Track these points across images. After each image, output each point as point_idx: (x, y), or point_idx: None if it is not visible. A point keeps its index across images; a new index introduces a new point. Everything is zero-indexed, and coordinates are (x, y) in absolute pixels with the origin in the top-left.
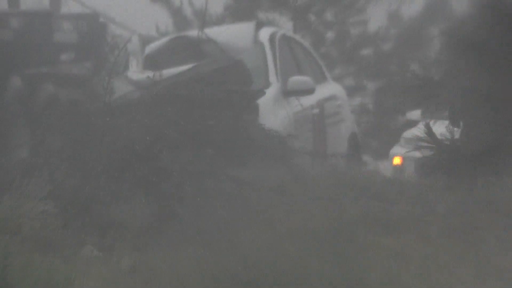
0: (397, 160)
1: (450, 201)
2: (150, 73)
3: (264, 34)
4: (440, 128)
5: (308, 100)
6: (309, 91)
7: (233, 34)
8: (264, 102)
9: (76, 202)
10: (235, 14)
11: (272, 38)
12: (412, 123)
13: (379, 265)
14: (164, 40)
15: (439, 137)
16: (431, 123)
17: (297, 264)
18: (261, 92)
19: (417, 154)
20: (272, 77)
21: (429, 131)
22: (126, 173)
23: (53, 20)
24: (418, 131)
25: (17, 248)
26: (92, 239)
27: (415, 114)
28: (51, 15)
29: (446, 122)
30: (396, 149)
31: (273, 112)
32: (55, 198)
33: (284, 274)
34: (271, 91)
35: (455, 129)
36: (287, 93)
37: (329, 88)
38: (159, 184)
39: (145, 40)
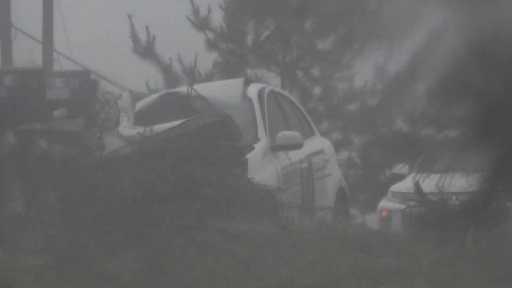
0: (384, 214)
1: (436, 253)
2: (140, 129)
3: (253, 90)
4: (428, 181)
5: (297, 155)
6: (298, 146)
7: (222, 90)
8: (253, 156)
9: (69, 256)
10: (223, 70)
11: (260, 94)
12: (400, 177)
13: None
14: (154, 96)
15: (427, 191)
16: (418, 177)
17: None
18: (250, 147)
19: (404, 207)
20: (261, 132)
21: (417, 187)
22: (117, 226)
23: (46, 77)
24: (405, 185)
25: None
26: None
27: (402, 168)
28: (44, 72)
29: (433, 176)
30: (383, 202)
31: (262, 166)
32: (49, 252)
33: None
34: (260, 146)
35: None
36: (276, 147)
37: (317, 143)
38: (150, 237)
39: (136, 97)
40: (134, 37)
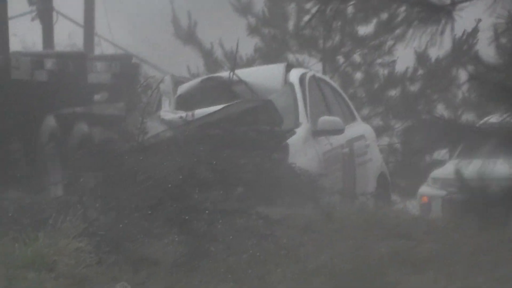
0: (425, 200)
1: (477, 240)
2: (182, 113)
3: (294, 75)
4: (469, 168)
5: (338, 140)
6: (339, 131)
7: (263, 75)
8: (294, 141)
9: (109, 239)
10: (265, 56)
11: (302, 79)
12: (440, 163)
13: None
14: (195, 80)
15: (468, 177)
16: (460, 163)
17: None
18: (291, 132)
19: (444, 193)
20: (302, 117)
21: (458, 173)
22: (158, 211)
23: (87, 61)
24: (445, 171)
25: (52, 284)
26: (125, 276)
27: (442, 154)
28: (85, 56)
29: (475, 162)
30: (424, 188)
31: (303, 151)
32: (89, 236)
33: None
34: (301, 131)
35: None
36: (317, 133)
37: (358, 128)
38: (191, 222)
39: (177, 81)
40: (175, 21)
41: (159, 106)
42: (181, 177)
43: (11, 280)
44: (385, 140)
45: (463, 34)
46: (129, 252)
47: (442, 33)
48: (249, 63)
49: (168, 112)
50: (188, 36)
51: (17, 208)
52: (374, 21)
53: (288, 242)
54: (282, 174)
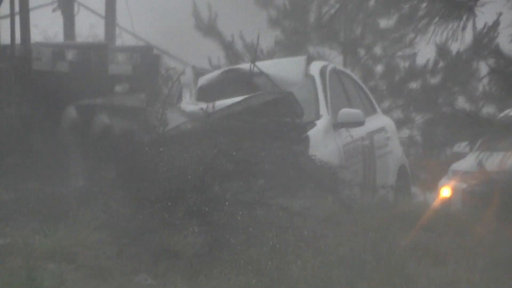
0: (445, 192)
1: (498, 232)
2: (203, 105)
3: (315, 67)
4: (490, 160)
5: (358, 132)
6: (359, 123)
7: (284, 68)
8: (315, 133)
9: (130, 231)
10: (285, 48)
11: (322, 72)
12: (461, 155)
13: None
14: (216, 72)
15: (489, 169)
16: (481, 155)
17: None
18: (312, 124)
19: (465, 186)
20: (323, 110)
21: (480, 165)
22: (179, 202)
23: (108, 52)
24: (466, 163)
25: (72, 276)
26: (146, 267)
27: (463, 146)
28: (106, 47)
29: (496, 154)
30: (444, 181)
31: (324, 143)
32: (110, 227)
33: None
34: (322, 123)
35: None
36: (338, 125)
37: (379, 121)
38: (211, 213)
39: (198, 73)
40: (196, 13)
41: (180, 98)
42: (201, 168)
43: (31, 271)
44: (405, 132)
45: (484, 27)
46: (149, 243)
47: (463, 29)
48: (270, 55)
49: (189, 104)
50: (208, 28)
51: (38, 199)
52: (395, 14)
53: (309, 234)
54: (302, 166)
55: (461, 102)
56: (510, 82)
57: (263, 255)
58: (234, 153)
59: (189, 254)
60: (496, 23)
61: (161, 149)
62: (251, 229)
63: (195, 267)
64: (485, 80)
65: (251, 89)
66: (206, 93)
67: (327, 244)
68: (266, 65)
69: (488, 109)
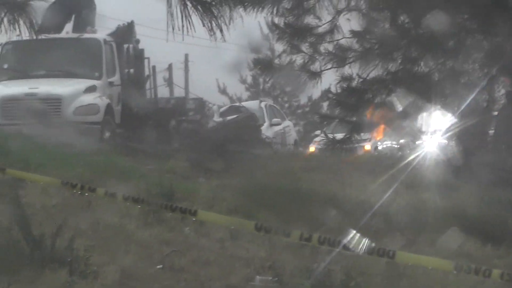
0: (311, 148)
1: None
2: (222, 119)
3: (262, 104)
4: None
5: (279, 127)
6: (279, 124)
7: (252, 104)
8: (264, 128)
9: (196, 164)
10: (252, 97)
11: (266, 105)
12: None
13: None
14: (227, 106)
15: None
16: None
17: None
18: (261, 124)
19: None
20: (266, 119)
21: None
22: (214, 154)
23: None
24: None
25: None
26: (202, 175)
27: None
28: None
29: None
30: (312, 144)
31: (267, 131)
32: (188, 160)
33: None
34: (266, 125)
35: None
36: (272, 124)
37: (287, 122)
38: (225, 157)
39: (220, 107)
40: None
41: (213, 116)
42: (222, 139)
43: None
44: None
45: None
46: (203, 166)
47: None
48: (247, 99)
49: (217, 117)
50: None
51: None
52: None
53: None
54: (258, 139)
55: None
56: None
57: (246, 168)
58: (233, 134)
59: (218, 167)
60: None
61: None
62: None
63: (220, 172)
64: None
65: (240, 112)
66: (222, 114)
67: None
68: (245, 104)
69: None
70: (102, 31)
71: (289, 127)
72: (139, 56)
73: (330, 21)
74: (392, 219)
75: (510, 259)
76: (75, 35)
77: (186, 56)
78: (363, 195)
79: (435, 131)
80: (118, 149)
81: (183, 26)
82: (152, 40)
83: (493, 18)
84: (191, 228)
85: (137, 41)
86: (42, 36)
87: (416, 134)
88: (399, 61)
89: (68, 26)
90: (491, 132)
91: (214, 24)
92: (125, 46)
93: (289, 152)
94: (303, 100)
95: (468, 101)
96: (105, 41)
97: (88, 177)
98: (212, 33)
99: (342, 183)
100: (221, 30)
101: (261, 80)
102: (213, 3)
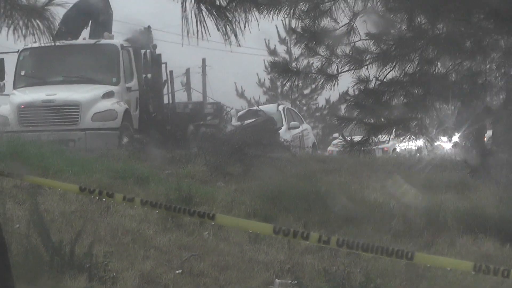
0: (329, 150)
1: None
2: (240, 122)
3: (280, 107)
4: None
5: (298, 130)
6: (297, 127)
7: (270, 108)
8: (282, 131)
9: (215, 166)
10: (270, 101)
11: (284, 109)
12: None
13: None
14: (245, 110)
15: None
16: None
17: None
18: (279, 128)
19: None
20: (284, 123)
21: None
22: (234, 156)
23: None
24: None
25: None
26: (221, 179)
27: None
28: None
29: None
30: (330, 146)
31: (285, 134)
32: (205, 164)
33: None
34: (283, 128)
35: None
36: (290, 127)
37: (305, 126)
38: (246, 160)
39: (237, 111)
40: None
41: (231, 120)
42: (240, 143)
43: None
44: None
45: None
46: (222, 170)
47: None
48: (265, 102)
49: (235, 122)
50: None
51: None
52: None
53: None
54: (276, 143)
55: None
56: None
57: (265, 171)
58: (252, 137)
59: (237, 171)
60: None
61: (226, 135)
62: (262, 169)
63: (239, 176)
64: None
65: (257, 116)
66: (240, 118)
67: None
68: (263, 107)
69: None
70: (119, 37)
71: (307, 130)
72: (156, 61)
73: (347, 23)
74: (411, 221)
75: None
76: (92, 41)
77: (204, 60)
78: (381, 197)
79: (452, 132)
80: (136, 155)
81: (197, 30)
82: (170, 46)
83: (509, 18)
84: (210, 233)
85: (154, 46)
86: (59, 42)
87: (434, 135)
88: (416, 62)
89: (85, 32)
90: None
91: (228, 29)
92: (142, 51)
93: (308, 155)
94: (321, 102)
95: (485, 101)
96: (122, 46)
97: (106, 183)
98: (227, 38)
99: (361, 185)
100: (235, 35)
101: (278, 83)
102: (228, 7)
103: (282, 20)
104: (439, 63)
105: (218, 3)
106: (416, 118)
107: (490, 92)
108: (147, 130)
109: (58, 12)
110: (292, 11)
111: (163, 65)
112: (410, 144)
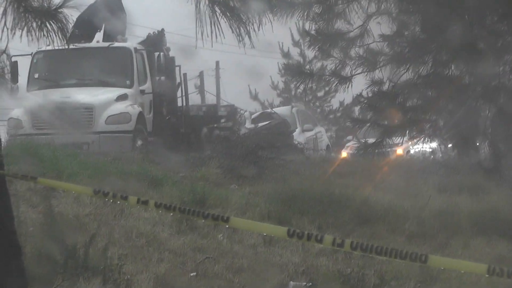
0: (343, 154)
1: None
2: (254, 125)
3: (294, 109)
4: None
5: (311, 133)
6: (311, 130)
7: (283, 110)
8: (296, 134)
9: (229, 169)
10: (284, 103)
11: (298, 111)
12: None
13: None
14: (258, 113)
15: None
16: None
17: None
18: (293, 130)
19: (348, 150)
20: (298, 125)
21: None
22: (247, 158)
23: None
24: (351, 142)
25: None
26: (234, 181)
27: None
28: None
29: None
30: (344, 149)
31: (299, 137)
32: (220, 167)
33: None
34: (297, 131)
35: None
36: (304, 129)
37: (319, 128)
38: (259, 162)
39: (251, 113)
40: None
41: (245, 123)
42: (254, 145)
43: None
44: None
45: None
46: (236, 172)
47: None
48: (279, 105)
49: (248, 124)
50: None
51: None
52: None
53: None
54: (290, 145)
55: None
56: None
57: (279, 174)
58: (266, 139)
59: (251, 174)
60: None
61: (239, 138)
62: (270, 167)
63: (253, 179)
64: None
65: (271, 118)
66: (254, 121)
67: (301, 168)
68: (277, 109)
69: None
70: (132, 40)
71: (321, 132)
72: (170, 64)
73: (360, 25)
74: (425, 222)
75: None
76: (105, 44)
77: (217, 63)
78: (395, 199)
79: (465, 134)
80: (150, 157)
81: (212, 32)
82: (183, 48)
83: None
84: (224, 235)
85: (168, 49)
86: (73, 45)
87: (447, 137)
88: (430, 64)
89: (99, 35)
90: None
91: (242, 30)
92: (156, 54)
93: (321, 158)
94: (335, 105)
95: (498, 104)
96: (135, 49)
97: (120, 185)
98: (240, 39)
99: (375, 187)
100: (249, 36)
101: (292, 86)
102: (242, 8)
103: (295, 23)
104: (453, 65)
105: (232, 4)
106: (430, 120)
107: (504, 94)
108: (161, 133)
109: (72, 15)
110: (305, 13)
111: (177, 68)
112: (424, 146)
